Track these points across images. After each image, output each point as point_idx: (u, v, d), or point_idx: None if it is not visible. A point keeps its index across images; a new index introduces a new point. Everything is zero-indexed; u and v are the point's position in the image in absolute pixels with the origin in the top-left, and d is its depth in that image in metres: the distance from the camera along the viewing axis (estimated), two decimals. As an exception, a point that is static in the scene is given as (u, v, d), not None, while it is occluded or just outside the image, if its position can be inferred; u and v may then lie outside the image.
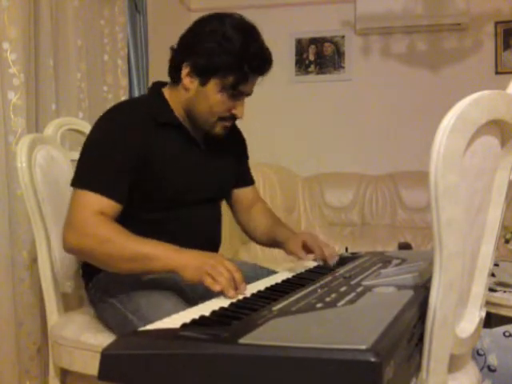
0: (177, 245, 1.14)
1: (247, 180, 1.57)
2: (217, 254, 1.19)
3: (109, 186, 1.20)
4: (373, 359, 0.56)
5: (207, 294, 1.23)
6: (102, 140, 1.25)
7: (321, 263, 1.38)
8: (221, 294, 1.03)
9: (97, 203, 1.18)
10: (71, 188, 1.52)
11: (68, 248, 1.20)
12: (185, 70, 1.27)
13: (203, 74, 1.25)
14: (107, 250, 1.14)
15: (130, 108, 1.32)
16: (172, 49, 1.33)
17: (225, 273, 1.05)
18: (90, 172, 1.22)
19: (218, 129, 1.32)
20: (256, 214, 1.53)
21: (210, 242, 1.40)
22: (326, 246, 1.35)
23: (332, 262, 1.32)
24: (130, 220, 1.23)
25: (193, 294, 1.27)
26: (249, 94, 1.31)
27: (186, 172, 1.33)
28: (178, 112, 1.34)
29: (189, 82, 1.27)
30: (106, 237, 1.14)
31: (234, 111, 1.29)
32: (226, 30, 1.22)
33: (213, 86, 1.25)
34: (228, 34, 1.22)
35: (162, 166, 1.28)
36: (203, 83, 1.26)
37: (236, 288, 1.03)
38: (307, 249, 1.35)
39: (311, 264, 1.39)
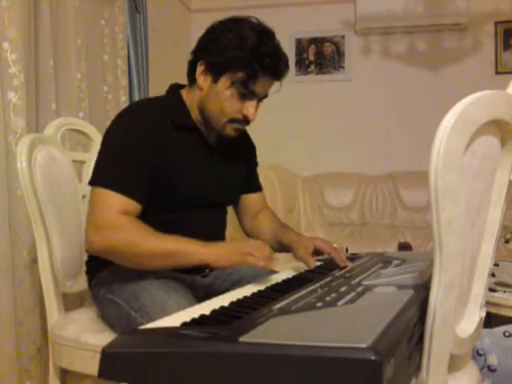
0: None
1: (255, 186, 1.58)
2: (239, 241, 1.23)
3: (130, 187, 1.21)
4: (373, 357, 0.56)
5: (210, 294, 1.27)
6: (122, 140, 1.25)
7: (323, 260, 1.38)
8: (222, 294, 1.05)
9: (121, 203, 1.18)
10: (71, 188, 1.53)
11: (95, 249, 1.19)
12: (199, 69, 1.28)
13: (216, 71, 1.26)
14: (139, 250, 1.15)
15: (148, 109, 1.32)
16: (191, 52, 1.34)
17: (257, 249, 1.13)
18: (112, 172, 1.22)
19: (229, 130, 1.32)
20: (261, 220, 1.54)
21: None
22: (341, 250, 1.34)
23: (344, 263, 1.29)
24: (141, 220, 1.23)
25: (196, 293, 1.28)
26: (262, 96, 1.30)
27: (198, 174, 1.34)
28: (194, 114, 1.35)
29: (202, 80, 1.28)
30: (137, 237, 1.16)
31: (244, 112, 1.28)
32: (241, 30, 1.24)
33: (224, 82, 1.25)
34: (243, 34, 1.23)
35: (176, 167, 1.29)
36: (215, 80, 1.26)
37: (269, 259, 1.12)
38: (318, 253, 1.34)
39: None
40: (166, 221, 1.28)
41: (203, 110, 1.32)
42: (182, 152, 1.31)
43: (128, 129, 1.26)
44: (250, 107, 1.27)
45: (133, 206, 1.21)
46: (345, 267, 1.24)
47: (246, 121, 1.31)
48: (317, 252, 1.33)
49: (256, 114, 1.30)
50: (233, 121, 1.30)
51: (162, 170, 1.26)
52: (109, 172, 1.23)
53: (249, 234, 1.56)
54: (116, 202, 1.18)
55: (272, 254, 1.12)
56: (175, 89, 1.39)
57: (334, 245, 1.35)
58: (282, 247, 1.43)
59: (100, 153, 1.28)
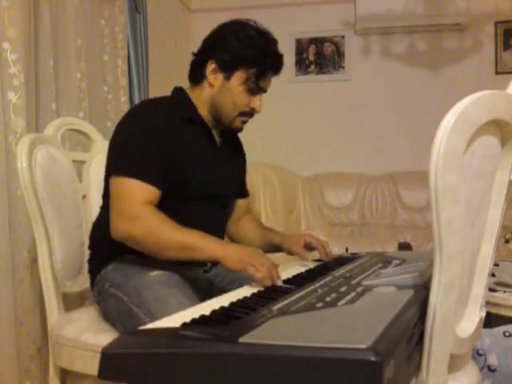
0: None
1: (244, 192, 1.65)
2: (254, 249, 1.29)
3: (151, 173, 1.27)
4: (373, 358, 0.56)
5: (212, 289, 1.34)
6: (139, 130, 1.31)
7: (320, 260, 1.42)
8: (223, 290, 1.10)
9: (143, 191, 1.25)
10: (71, 188, 1.54)
11: (119, 236, 1.25)
12: (210, 68, 1.37)
13: (228, 69, 1.36)
14: (156, 240, 1.22)
15: (150, 110, 1.40)
16: (194, 53, 1.43)
17: (264, 265, 1.13)
18: (132, 160, 1.28)
19: (238, 123, 1.42)
20: (245, 225, 1.61)
21: (218, 236, 1.45)
22: (327, 244, 1.46)
23: (330, 259, 1.43)
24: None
25: (198, 288, 1.31)
26: (265, 90, 1.42)
27: (205, 169, 1.40)
28: (201, 110, 1.43)
29: (213, 78, 1.38)
30: (155, 228, 1.22)
31: (252, 105, 1.39)
32: (247, 31, 1.36)
33: (236, 79, 1.36)
34: (250, 34, 1.35)
35: (186, 159, 1.35)
36: (228, 78, 1.37)
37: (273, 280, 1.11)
38: (308, 248, 1.45)
39: (312, 264, 1.40)
40: (175, 211, 1.31)
41: (214, 106, 1.41)
42: (190, 147, 1.37)
43: (143, 121, 1.33)
44: (257, 101, 1.39)
45: (154, 192, 1.27)
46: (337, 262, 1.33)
47: (252, 113, 1.42)
48: (306, 246, 1.44)
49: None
50: (242, 114, 1.40)
51: (169, 170, 1.30)
52: (129, 161, 1.28)
53: (232, 238, 1.62)
54: (139, 191, 1.24)
55: (278, 274, 1.14)
56: (180, 89, 1.47)
57: (324, 238, 1.48)
58: (270, 247, 1.53)
59: (115, 144, 1.34)
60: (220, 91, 1.38)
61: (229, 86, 1.37)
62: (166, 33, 3.42)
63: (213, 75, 1.38)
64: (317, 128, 3.79)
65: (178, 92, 1.46)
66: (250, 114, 1.42)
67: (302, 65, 3.85)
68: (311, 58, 3.84)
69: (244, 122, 1.44)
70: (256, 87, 1.37)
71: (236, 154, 1.58)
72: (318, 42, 3.83)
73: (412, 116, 3.62)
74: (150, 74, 2.87)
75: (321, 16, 3.79)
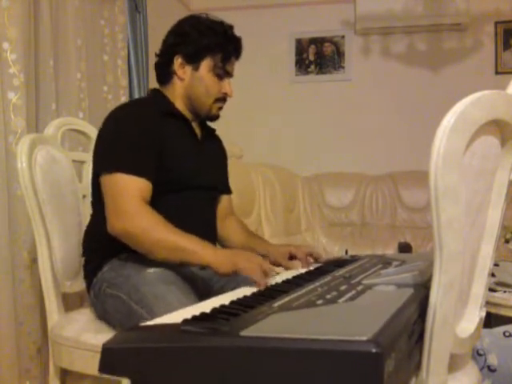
0: (176, 225, 1.23)
1: (227, 188, 1.65)
2: (243, 251, 1.30)
3: (143, 167, 1.28)
4: (374, 350, 0.56)
5: (208, 287, 1.35)
6: (125, 126, 1.33)
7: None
8: (220, 289, 1.12)
9: (136, 186, 1.26)
10: (71, 188, 1.54)
11: (115, 233, 1.26)
12: (177, 63, 1.42)
13: (195, 59, 1.40)
14: (151, 238, 1.22)
15: (139, 103, 1.47)
16: (157, 54, 1.47)
17: (253, 262, 1.16)
18: (123, 156, 1.29)
19: (215, 110, 1.47)
20: (230, 224, 1.60)
21: (208, 226, 1.49)
22: (308, 251, 1.45)
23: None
24: None
25: (195, 286, 1.31)
26: (232, 75, 1.46)
27: (191, 158, 1.42)
28: (178, 106, 1.46)
29: (182, 72, 1.42)
30: (151, 226, 1.23)
31: (223, 90, 1.44)
32: (205, 22, 1.42)
33: (204, 67, 1.41)
34: (209, 25, 1.41)
35: (170, 151, 1.36)
36: (196, 68, 1.41)
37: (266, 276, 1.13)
38: (292, 259, 1.44)
39: (311, 267, 1.40)
40: (162, 202, 1.32)
41: (189, 98, 1.44)
42: (175, 139, 1.40)
43: (128, 118, 1.35)
44: (227, 85, 1.44)
45: (146, 185, 1.28)
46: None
47: (225, 98, 1.46)
48: (291, 257, 1.43)
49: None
50: (217, 100, 1.45)
51: (158, 161, 1.32)
52: (119, 157, 1.29)
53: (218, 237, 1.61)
54: (132, 186, 1.25)
55: (269, 271, 1.15)
56: (156, 89, 1.50)
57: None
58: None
59: (103, 142, 1.35)
60: (191, 82, 1.42)
61: (198, 76, 1.41)
62: (165, 33, 3.42)
63: (181, 69, 1.42)
64: (317, 128, 3.79)
65: (154, 91, 1.50)
66: (223, 99, 1.46)
67: (302, 65, 3.85)
68: (311, 57, 3.84)
69: (220, 109, 1.47)
70: (223, 72, 1.42)
71: (217, 149, 1.62)
72: (318, 42, 3.83)
73: (412, 116, 3.63)
74: (150, 74, 2.87)
75: (321, 16, 3.79)
